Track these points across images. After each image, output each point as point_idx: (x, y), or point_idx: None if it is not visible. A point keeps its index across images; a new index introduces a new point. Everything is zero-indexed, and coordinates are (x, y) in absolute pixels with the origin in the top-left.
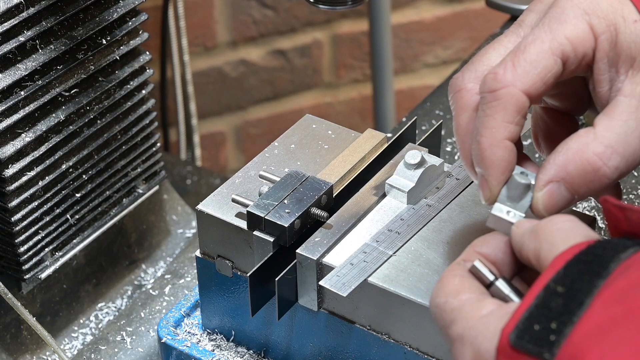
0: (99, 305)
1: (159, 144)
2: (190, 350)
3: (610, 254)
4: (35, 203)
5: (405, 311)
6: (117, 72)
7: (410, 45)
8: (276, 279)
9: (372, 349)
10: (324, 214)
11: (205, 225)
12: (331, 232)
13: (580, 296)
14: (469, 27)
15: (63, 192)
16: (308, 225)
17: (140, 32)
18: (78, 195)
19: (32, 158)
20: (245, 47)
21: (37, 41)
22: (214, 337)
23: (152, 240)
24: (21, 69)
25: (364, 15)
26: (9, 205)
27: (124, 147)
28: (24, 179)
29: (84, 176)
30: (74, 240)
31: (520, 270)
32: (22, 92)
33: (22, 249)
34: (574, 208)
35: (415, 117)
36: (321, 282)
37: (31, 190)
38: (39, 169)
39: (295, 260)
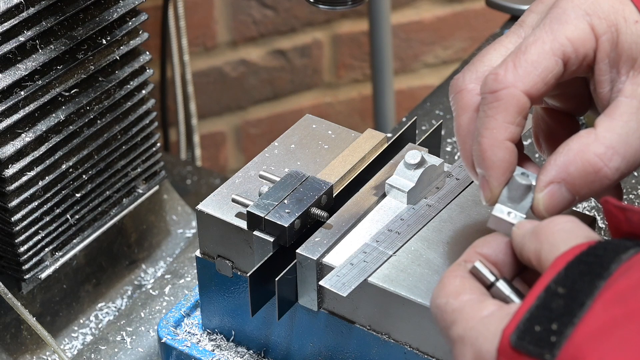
0: (99, 305)
1: (159, 144)
2: (190, 350)
3: (611, 255)
4: (35, 203)
5: (405, 311)
6: (117, 72)
7: (410, 45)
8: (276, 279)
9: (372, 349)
10: (324, 214)
11: (205, 225)
12: (331, 232)
13: (581, 297)
14: (469, 27)
15: (63, 192)
16: (308, 225)
17: (140, 32)
18: (78, 195)
19: (32, 158)
20: (245, 47)
21: (37, 41)
22: (214, 337)
23: (152, 240)
24: (21, 69)
25: (364, 15)
26: (9, 205)
27: (124, 147)
28: (24, 179)
29: (84, 176)
30: (74, 240)
31: (521, 271)
32: (22, 92)
33: (22, 249)
34: (574, 208)
35: (415, 117)
36: (321, 282)
37: (31, 190)
38: (39, 169)
39: (295, 260)
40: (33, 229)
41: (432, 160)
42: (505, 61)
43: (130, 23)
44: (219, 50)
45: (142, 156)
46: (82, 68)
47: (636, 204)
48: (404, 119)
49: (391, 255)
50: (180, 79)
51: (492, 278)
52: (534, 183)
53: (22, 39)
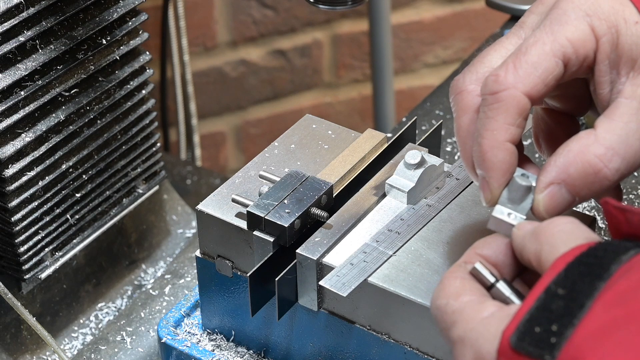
0: (99, 305)
1: (159, 144)
2: (190, 350)
3: (611, 256)
4: (35, 203)
5: (405, 311)
6: (117, 72)
7: (410, 45)
8: (276, 279)
9: (372, 349)
10: (324, 214)
11: (205, 225)
12: (331, 232)
13: (581, 298)
14: (469, 27)
15: (63, 192)
16: (308, 225)
17: (140, 32)
18: (78, 195)
19: (32, 158)
20: (245, 47)
21: (37, 41)
22: (214, 337)
23: (152, 240)
24: (21, 69)
25: (364, 15)
26: (9, 205)
27: (124, 147)
28: (24, 179)
29: (84, 176)
30: (74, 240)
31: (521, 272)
32: (22, 92)
33: (22, 249)
34: (574, 208)
35: (415, 117)
36: (321, 282)
37: (31, 190)
38: (39, 169)
39: (295, 260)
40: (33, 229)
41: (432, 160)
42: (506, 62)
43: (130, 23)
44: (219, 50)
45: (142, 156)
46: (82, 68)
47: (636, 204)
48: (404, 119)
49: (391, 255)
50: (180, 79)
51: (492, 279)
52: (534, 184)
53: (22, 39)
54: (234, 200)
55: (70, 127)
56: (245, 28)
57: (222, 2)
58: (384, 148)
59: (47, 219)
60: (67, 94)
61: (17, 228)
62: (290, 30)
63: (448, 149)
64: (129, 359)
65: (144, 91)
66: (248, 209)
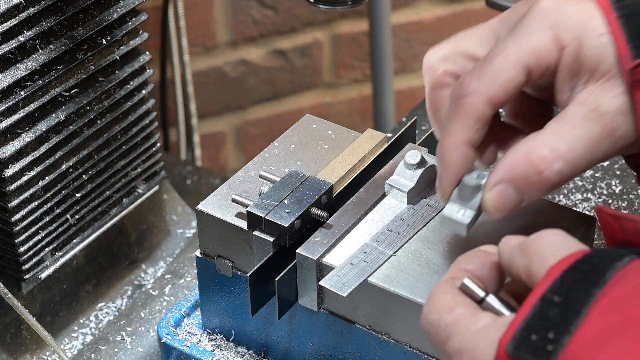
0: (99, 305)
1: (159, 144)
2: (190, 350)
3: (607, 263)
4: (35, 203)
5: (405, 311)
6: (117, 72)
7: (410, 45)
8: (276, 279)
9: (372, 349)
10: (324, 214)
11: (205, 225)
12: (331, 232)
13: (577, 305)
14: (469, 27)
15: (63, 192)
16: (308, 225)
17: (140, 32)
18: (78, 195)
19: (32, 158)
20: (245, 47)
21: (37, 41)
22: (214, 337)
23: (152, 240)
24: (21, 69)
25: (364, 15)
26: (9, 205)
27: (124, 147)
28: (24, 179)
29: (84, 176)
30: (74, 240)
31: (504, 283)
32: (22, 92)
33: (22, 249)
34: (573, 209)
35: (415, 117)
36: (321, 282)
37: (31, 190)
38: (39, 169)
39: (295, 260)
40: (33, 229)
41: (432, 160)
42: (473, 69)
43: (130, 23)
44: (219, 50)
45: (142, 156)
46: (82, 68)
47: (636, 204)
48: (404, 119)
49: (391, 255)
50: (180, 79)
51: (482, 294)
52: (483, 183)
53: (22, 39)
54: (234, 200)
55: (70, 127)
56: (245, 28)
57: (222, 2)
58: (384, 148)
59: (47, 219)
60: (67, 94)
61: (17, 228)
62: (290, 30)
63: None
64: (129, 359)
65: (144, 91)
66: (248, 209)
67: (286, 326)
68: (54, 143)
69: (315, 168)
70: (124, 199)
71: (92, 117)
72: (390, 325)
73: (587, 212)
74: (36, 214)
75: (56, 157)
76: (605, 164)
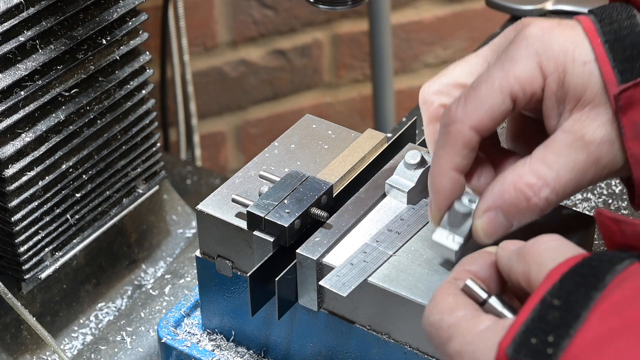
0: (99, 305)
1: (159, 144)
2: (190, 350)
3: (606, 266)
4: (35, 203)
5: (405, 311)
6: (117, 72)
7: (410, 45)
8: (276, 279)
9: (372, 349)
10: (324, 214)
11: (205, 225)
12: (331, 232)
13: (576, 309)
14: (469, 27)
15: (63, 192)
16: (308, 225)
17: (140, 32)
18: (78, 195)
19: (32, 158)
20: (245, 47)
21: (37, 41)
22: (214, 337)
23: (152, 240)
24: (21, 69)
25: (364, 15)
26: (9, 205)
27: (124, 147)
28: (24, 179)
29: (84, 176)
30: (74, 240)
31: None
32: (22, 92)
33: (22, 249)
34: (574, 208)
35: (415, 117)
36: (321, 282)
37: (31, 190)
38: (39, 169)
39: (295, 260)
40: (33, 229)
41: None
42: (459, 96)
43: (130, 23)
44: (219, 50)
45: (142, 156)
46: (82, 68)
47: None
48: (404, 119)
49: (391, 255)
50: (180, 79)
51: (484, 295)
52: (473, 207)
53: (22, 39)
54: (234, 200)
55: (70, 127)
56: (245, 28)
57: (222, 2)
58: (384, 148)
59: (47, 219)
60: (67, 94)
61: (17, 228)
62: (290, 30)
63: None
64: (129, 359)
65: (144, 91)
66: (248, 209)
67: (286, 326)
68: (54, 143)
69: (315, 168)
70: (124, 199)
71: (92, 117)
72: (390, 325)
73: (587, 212)
74: (36, 214)
75: (56, 157)
76: None
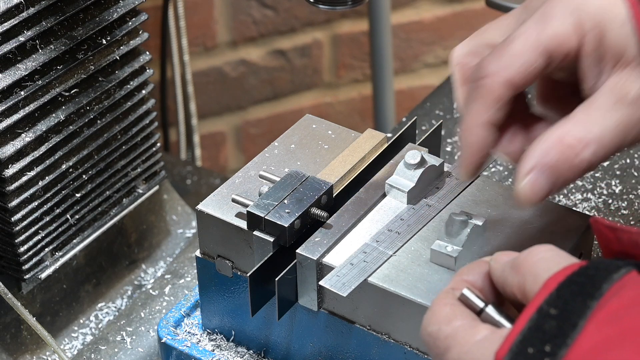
0: (99, 305)
1: (159, 144)
2: (190, 350)
3: (603, 275)
4: (35, 203)
5: (405, 311)
6: (117, 72)
7: (410, 45)
8: (276, 279)
9: (372, 349)
10: (324, 214)
11: (205, 225)
12: (331, 232)
13: (573, 318)
14: (469, 27)
15: (63, 192)
16: (308, 225)
17: (140, 32)
18: (78, 195)
19: (32, 158)
20: (245, 47)
21: (37, 41)
22: (214, 337)
23: (152, 240)
24: (21, 69)
25: (364, 15)
26: (9, 205)
27: (124, 147)
28: (24, 179)
29: (84, 176)
30: (74, 240)
31: None
32: (22, 92)
33: (22, 249)
34: (573, 208)
35: (415, 117)
36: (321, 282)
37: (31, 190)
38: (39, 169)
39: (295, 260)
40: (33, 229)
41: (432, 160)
42: (493, 51)
43: (130, 23)
44: (219, 50)
45: (142, 156)
46: (82, 68)
47: (636, 204)
48: (404, 119)
49: (391, 255)
50: (180, 79)
51: (481, 304)
52: (470, 220)
53: (22, 39)
54: (234, 200)
55: (70, 127)
56: (245, 28)
57: (222, 2)
58: (384, 148)
59: (47, 219)
60: (67, 94)
61: (17, 228)
62: (290, 30)
63: (448, 149)
64: (129, 359)
65: (144, 91)
66: (248, 209)
67: (286, 326)
68: (54, 143)
69: (315, 168)
70: (124, 199)
71: (92, 117)
72: (390, 325)
73: (587, 212)
74: (36, 214)
75: (56, 157)
76: (606, 164)
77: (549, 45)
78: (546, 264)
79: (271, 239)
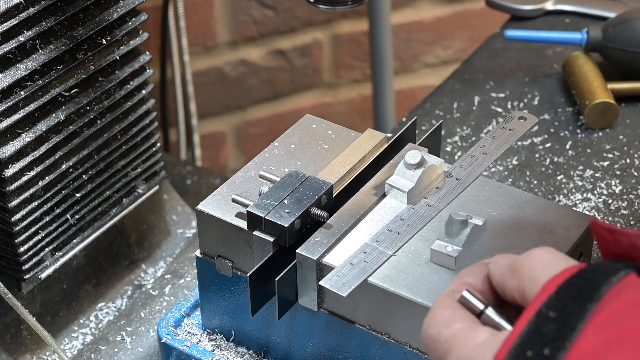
0: (99, 305)
1: (159, 144)
2: (190, 350)
3: (602, 277)
4: (35, 203)
5: (405, 311)
6: (117, 72)
7: (410, 45)
8: (276, 279)
9: (372, 349)
10: (324, 214)
11: (205, 225)
12: (331, 232)
13: (572, 321)
14: (469, 27)
15: (63, 192)
16: (308, 225)
17: (140, 32)
18: (78, 195)
19: (32, 158)
20: (245, 47)
21: (37, 41)
22: (214, 337)
23: (152, 240)
24: (21, 69)
25: (364, 15)
26: (9, 205)
27: (124, 147)
28: (24, 179)
29: (84, 176)
30: (74, 240)
31: None
32: (22, 92)
33: (22, 249)
34: (573, 208)
35: (415, 117)
36: (321, 282)
37: (31, 190)
38: (39, 169)
39: (295, 260)
40: (33, 229)
41: (432, 160)
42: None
43: (130, 23)
44: (219, 50)
45: (142, 156)
46: (82, 68)
47: (636, 204)
48: (404, 119)
49: (391, 255)
50: (180, 79)
51: (481, 306)
52: (470, 220)
53: (22, 39)
54: (234, 200)
55: (70, 127)
56: (245, 28)
57: (222, 2)
58: (384, 148)
59: (47, 219)
60: (67, 94)
61: (17, 228)
62: (290, 30)
63: (448, 149)
64: (129, 359)
65: (144, 91)
66: (248, 209)
67: (286, 326)
68: (54, 143)
69: (315, 168)
70: (124, 199)
71: (92, 117)
72: (390, 325)
73: (587, 212)
74: (36, 214)
75: (56, 157)
76: (605, 163)
77: None
78: (545, 267)
79: (271, 239)
